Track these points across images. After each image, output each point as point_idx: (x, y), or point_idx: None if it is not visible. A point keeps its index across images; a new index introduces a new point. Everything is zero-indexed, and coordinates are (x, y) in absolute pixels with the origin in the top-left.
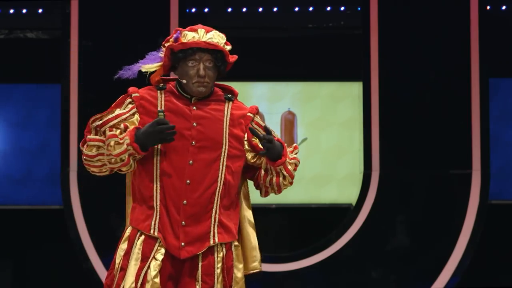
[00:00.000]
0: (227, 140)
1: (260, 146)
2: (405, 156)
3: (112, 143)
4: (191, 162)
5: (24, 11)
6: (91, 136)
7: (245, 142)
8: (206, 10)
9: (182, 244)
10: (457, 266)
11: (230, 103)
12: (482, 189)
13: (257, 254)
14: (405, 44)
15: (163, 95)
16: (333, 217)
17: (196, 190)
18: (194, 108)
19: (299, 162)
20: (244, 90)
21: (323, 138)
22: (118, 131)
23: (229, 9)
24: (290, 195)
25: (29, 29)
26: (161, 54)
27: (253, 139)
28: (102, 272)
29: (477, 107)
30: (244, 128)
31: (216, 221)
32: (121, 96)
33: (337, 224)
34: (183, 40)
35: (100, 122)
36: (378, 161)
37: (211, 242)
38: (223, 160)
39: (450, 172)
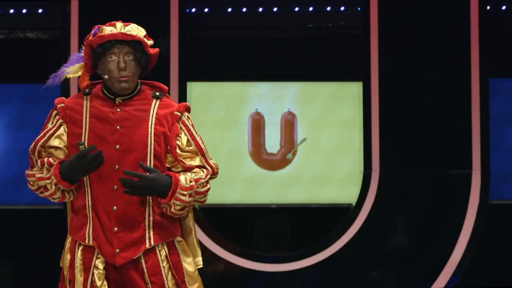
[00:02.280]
0: (152, 140)
1: (182, 159)
2: (405, 156)
3: (42, 183)
4: (117, 167)
5: (24, 11)
6: (28, 171)
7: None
8: (206, 10)
9: (117, 250)
10: (457, 266)
11: (158, 101)
12: (482, 189)
13: (198, 250)
14: (405, 44)
15: (88, 101)
16: (333, 217)
17: (124, 195)
18: (118, 110)
19: (201, 186)
20: (244, 90)
21: (323, 138)
22: (45, 172)
23: (229, 9)
24: (290, 195)
25: (29, 29)
26: (83, 53)
27: (177, 142)
28: None
29: (477, 107)
30: (170, 127)
31: (151, 222)
32: (51, 110)
33: (337, 224)
34: (100, 34)
35: (33, 144)
36: (378, 161)
37: (147, 245)
38: (150, 160)
39: (450, 172)
